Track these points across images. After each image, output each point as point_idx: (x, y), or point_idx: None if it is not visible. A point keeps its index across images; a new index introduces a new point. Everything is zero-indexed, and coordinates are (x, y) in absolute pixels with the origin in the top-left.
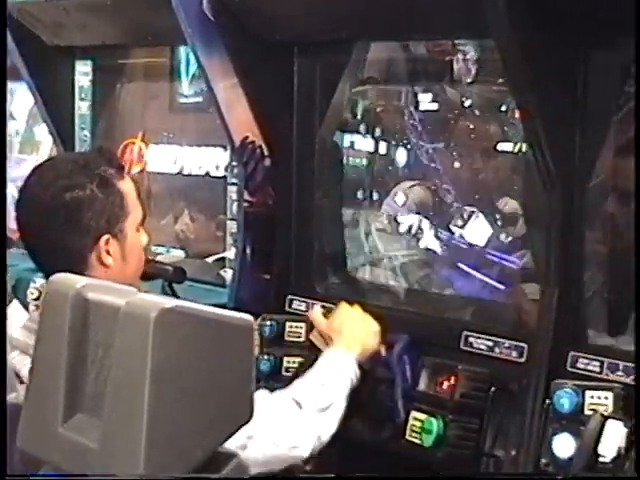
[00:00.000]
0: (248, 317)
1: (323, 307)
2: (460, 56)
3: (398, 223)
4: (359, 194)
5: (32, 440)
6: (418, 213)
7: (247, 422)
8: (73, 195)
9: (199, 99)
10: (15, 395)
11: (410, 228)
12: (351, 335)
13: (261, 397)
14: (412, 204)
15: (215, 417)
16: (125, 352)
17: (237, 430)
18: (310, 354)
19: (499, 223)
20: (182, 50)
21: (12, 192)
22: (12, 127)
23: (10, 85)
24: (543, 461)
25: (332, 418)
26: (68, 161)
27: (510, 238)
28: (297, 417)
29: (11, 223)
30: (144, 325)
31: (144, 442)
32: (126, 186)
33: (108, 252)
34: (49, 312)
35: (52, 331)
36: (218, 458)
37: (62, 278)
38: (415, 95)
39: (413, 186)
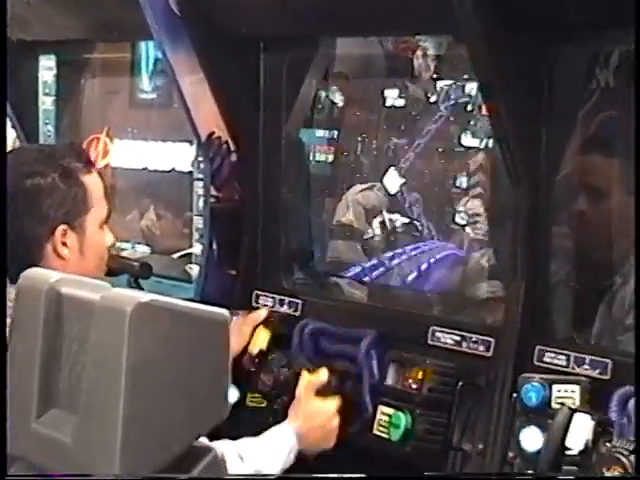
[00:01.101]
0: (224, 312)
1: (308, 370)
2: (420, 52)
3: (366, 219)
4: (324, 190)
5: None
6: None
7: (223, 417)
8: (34, 182)
9: (158, 95)
10: None
11: (381, 224)
12: (311, 434)
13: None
14: (361, 210)
15: (191, 411)
16: (100, 346)
17: (213, 425)
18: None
19: (462, 221)
20: (142, 45)
21: None
22: None
23: None
24: (510, 454)
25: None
26: (34, 150)
27: (472, 236)
28: (238, 469)
29: None
30: (120, 319)
31: (119, 437)
32: (91, 181)
33: (64, 244)
34: (23, 307)
35: (26, 326)
36: (194, 452)
37: (35, 273)
38: (381, 91)
39: (364, 190)
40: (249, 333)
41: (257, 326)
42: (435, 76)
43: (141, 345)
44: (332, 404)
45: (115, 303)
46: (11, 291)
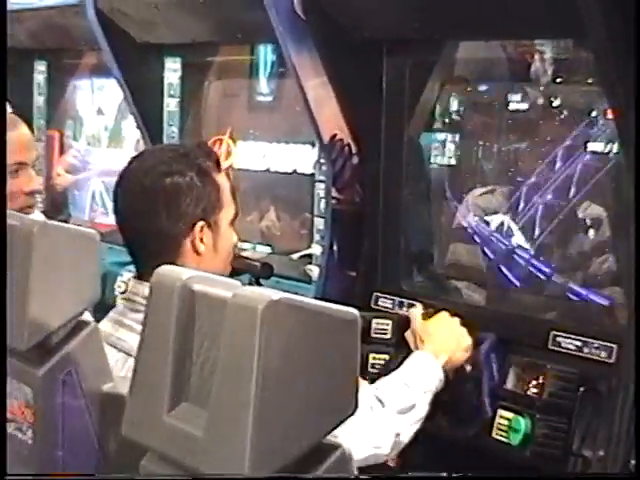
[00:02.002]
0: (354, 311)
1: (424, 307)
2: (537, 56)
3: (487, 222)
4: (445, 193)
5: (137, 427)
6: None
7: (352, 415)
8: (173, 181)
9: (275, 97)
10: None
11: (499, 227)
12: (442, 343)
13: None
14: (481, 213)
15: (320, 409)
16: (232, 343)
17: (342, 422)
18: (396, 352)
19: (582, 227)
20: (261, 48)
21: (99, 187)
22: (101, 122)
23: (100, 81)
24: (632, 462)
25: (413, 420)
26: (169, 150)
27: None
28: (379, 416)
29: (99, 218)
30: (251, 317)
31: (250, 432)
32: (222, 180)
33: (202, 240)
34: (156, 303)
35: (159, 322)
36: (322, 449)
37: (168, 270)
38: (504, 95)
39: (484, 193)
40: None
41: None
42: (558, 80)
43: (272, 342)
44: (442, 313)
45: (247, 301)
46: (143, 289)
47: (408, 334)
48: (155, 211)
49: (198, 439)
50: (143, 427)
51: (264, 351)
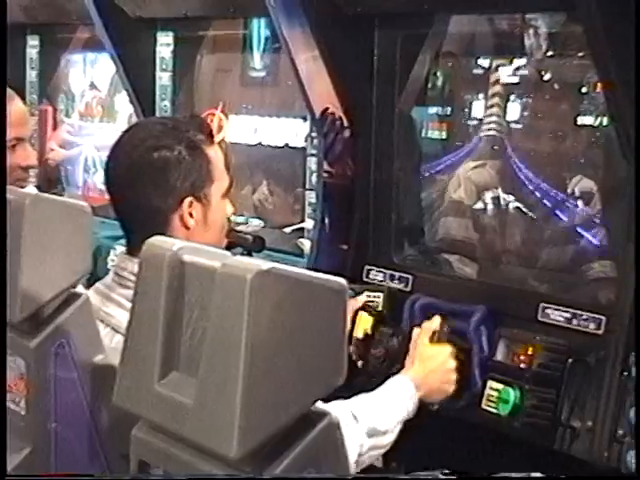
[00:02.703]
0: (341, 280)
1: (442, 320)
2: (531, 31)
3: (479, 197)
4: (437, 167)
5: (129, 397)
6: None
7: (339, 383)
8: (161, 155)
9: (268, 72)
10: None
11: (494, 201)
12: (429, 378)
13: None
14: (472, 187)
15: (308, 376)
16: (221, 313)
17: (329, 390)
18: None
19: (572, 200)
20: (255, 23)
21: (92, 162)
22: (94, 97)
23: (93, 55)
24: (620, 432)
25: (380, 445)
26: (158, 123)
27: (584, 215)
28: (350, 431)
29: (92, 192)
30: (240, 286)
31: (239, 400)
32: (214, 153)
33: (191, 214)
34: (146, 274)
35: (149, 292)
36: (310, 416)
37: (158, 241)
38: (496, 69)
39: (476, 167)
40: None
41: (356, 312)
42: (549, 54)
43: (261, 311)
44: (446, 348)
45: (236, 270)
46: (132, 265)
47: (412, 343)
48: (143, 185)
49: (188, 407)
50: (134, 396)
51: (253, 320)
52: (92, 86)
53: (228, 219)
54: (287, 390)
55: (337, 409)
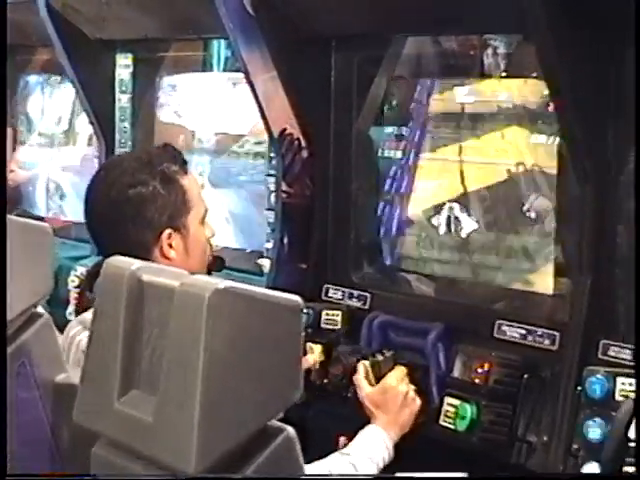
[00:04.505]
0: (297, 298)
1: (367, 357)
2: (490, 51)
3: (434, 214)
4: (393, 186)
5: (89, 414)
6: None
7: (296, 398)
8: (136, 191)
9: None
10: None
11: (448, 217)
12: (394, 418)
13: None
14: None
15: (266, 393)
16: (180, 330)
17: (286, 406)
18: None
19: (528, 219)
20: (215, 44)
21: (52, 183)
22: (54, 118)
23: (52, 77)
24: (574, 446)
25: None
26: (132, 159)
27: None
28: None
29: (52, 212)
30: (198, 304)
31: (197, 416)
32: (188, 182)
33: (170, 245)
34: (106, 293)
35: (108, 311)
36: (267, 432)
37: (117, 261)
38: (450, 89)
39: (433, 186)
40: None
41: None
42: (504, 74)
43: (218, 329)
44: (392, 379)
45: (194, 289)
46: None
47: (362, 400)
48: (122, 222)
49: (148, 425)
50: (94, 414)
51: (210, 338)
52: (51, 108)
53: (209, 241)
54: (245, 406)
55: (314, 469)
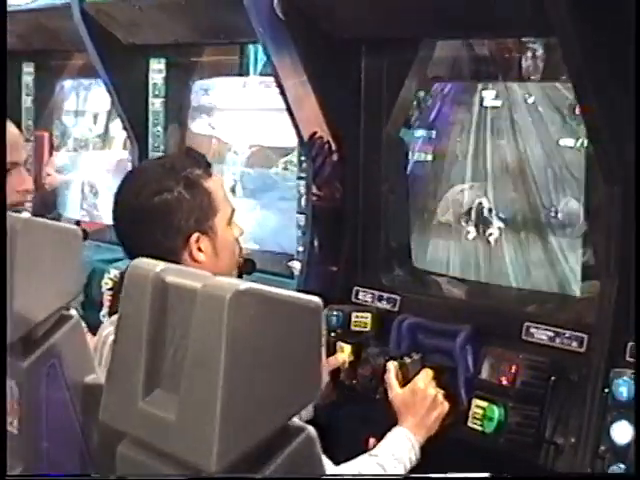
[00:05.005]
0: (317, 299)
1: (395, 359)
2: (529, 54)
3: (464, 217)
4: (424, 190)
5: (114, 414)
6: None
7: (316, 397)
8: (162, 198)
9: None
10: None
11: (476, 221)
12: (421, 420)
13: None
14: (460, 210)
15: (286, 392)
16: (201, 331)
17: (306, 405)
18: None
19: (558, 222)
20: (251, 48)
21: (88, 187)
22: (89, 122)
23: (87, 82)
24: (602, 448)
25: None
26: (156, 166)
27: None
28: None
29: (86, 217)
30: (219, 306)
31: (219, 415)
32: (213, 184)
33: (200, 249)
34: (130, 294)
35: (133, 312)
36: (288, 431)
37: (143, 263)
38: (480, 92)
39: (463, 190)
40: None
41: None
42: (533, 77)
43: (239, 330)
44: (420, 381)
45: (215, 290)
46: None
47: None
48: (150, 229)
49: (171, 423)
50: (119, 413)
51: (231, 338)
52: (87, 112)
53: (237, 241)
54: (265, 405)
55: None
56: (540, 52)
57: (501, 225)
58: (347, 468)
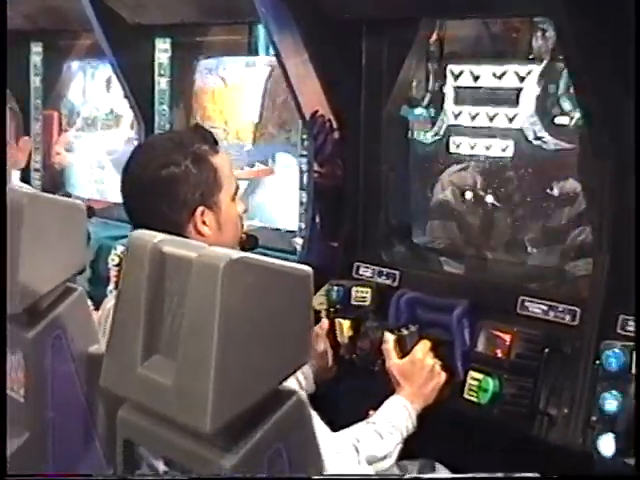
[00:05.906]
0: (307, 268)
1: (392, 331)
2: (539, 34)
3: (463, 194)
4: (423, 168)
5: (114, 379)
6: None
7: (305, 363)
8: (169, 171)
9: None
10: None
11: (476, 200)
12: (419, 388)
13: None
14: (456, 190)
15: (277, 357)
16: (196, 299)
17: (296, 369)
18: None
19: (557, 201)
20: (260, 28)
21: (96, 165)
22: (97, 102)
23: (95, 61)
24: (593, 418)
25: (380, 469)
26: (164, 140)
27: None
28: (353, 461)
29: (94, 195)
30: (213, 274)
31: (213, 379)
32: (220, 160)
33: (204, 222)
34: (130, 264)
35: (132, 281)
36: (279, 394)
37: (141, 234)
38: (479, 72)
39: (460, 170)
40: (323, 349)
41: (333, 321)
42: (530, 57)
43: (232, 297)
44: (418, 352)
45: (209, 259)
46: None
47: (388, 369)
48: (156, 202)
49: (168, 387)
50: (119, 379)
51: (224, 305)
52: (95, 91)
53: (240, 217)
54: (257, 369)
55: (340, 441)
56: (551, 33)
57: (499, 203)
58: (344, 435)
